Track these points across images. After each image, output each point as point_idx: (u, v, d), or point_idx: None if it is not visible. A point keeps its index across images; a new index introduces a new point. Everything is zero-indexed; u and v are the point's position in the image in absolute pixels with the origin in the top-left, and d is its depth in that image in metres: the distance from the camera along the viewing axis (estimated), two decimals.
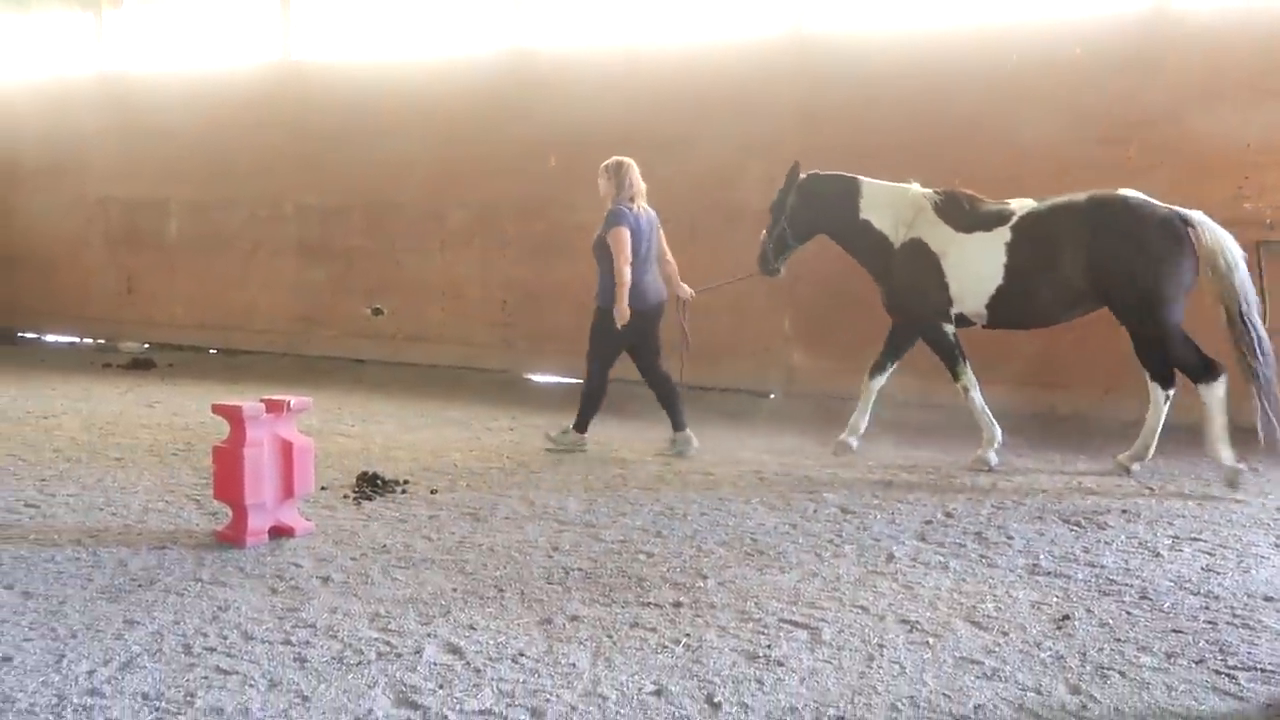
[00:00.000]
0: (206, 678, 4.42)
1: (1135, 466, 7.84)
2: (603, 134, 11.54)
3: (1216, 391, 7.43)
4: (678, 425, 8.57)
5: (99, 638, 4.82)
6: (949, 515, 6.85)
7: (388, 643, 4.78)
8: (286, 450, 6.28)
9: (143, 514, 6.81)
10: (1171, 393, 7.74)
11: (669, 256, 8.65)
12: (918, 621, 5.06)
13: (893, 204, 8.20)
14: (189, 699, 4.24)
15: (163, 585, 5.50)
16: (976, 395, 8.11)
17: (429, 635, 4.87)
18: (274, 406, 6.27)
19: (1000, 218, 7.90)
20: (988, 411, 8.13)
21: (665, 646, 4.76)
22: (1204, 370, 7.49)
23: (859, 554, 6.07)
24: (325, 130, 13.44)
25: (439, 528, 6.55)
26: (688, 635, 4.89)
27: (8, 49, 16.25)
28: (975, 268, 7.89)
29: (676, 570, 5.77)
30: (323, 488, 7.21)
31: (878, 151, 10.37)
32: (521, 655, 4.66)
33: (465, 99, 12.49)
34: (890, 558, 6.01)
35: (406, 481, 7.56)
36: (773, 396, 11.09)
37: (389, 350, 13.25)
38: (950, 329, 8.13)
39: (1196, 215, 7.55)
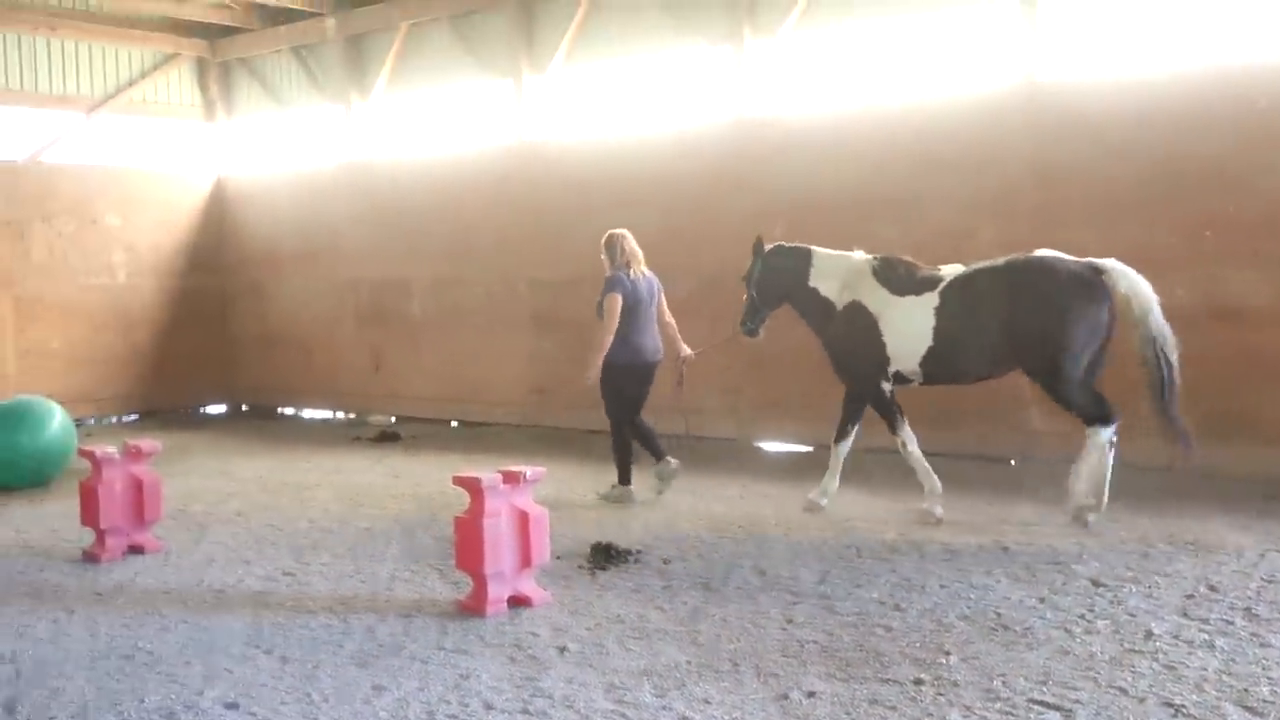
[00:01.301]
0: None
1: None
2: (827, 198, 11.49)
3: (1104, 435, 7.79)
4: (658, 456, 9.41)
5: (349, 702, 5.01)
6: (1213, 589, 6.39)
7: (623, 714, 4.79)
8: (523, 520, 6.42)
9: (390, 582, 7.08)
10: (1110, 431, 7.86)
11: (669, 318, 9.66)
12: (1183, 705, 4.72)
13: (838, 271, 8.70)
14: None
15: (409, 653, 5.68)
16: (915, 449, 8.50)
17: (664, 708, 4.84)
18: (510, 478, 6.42)
19: (930, 283, 8.28)
20: (926, 464, 8.47)
21: None
22: (1100, 416, 7.80)
23: (1114, 630, 5.72)
24: (557, 207, 13.85)
25: (672, 598, 6.54)
26: (930, 714, 4.70)
27: (269, 144, 17.56)
28: (907, 328, 8.29)
29: (916, 645, 5.58)
30: (557, 557, 7.33)
31: (1117, 203, 9.94)
32: None
33: (692, 170, 12.65)
34: (1149, 635, 5.64)
35: (639, 551, 7.59)
36: (1012, 463, 10.65)
37: None
38: (888, 387, 8.53)
39: (1109, 262, 7.86)
